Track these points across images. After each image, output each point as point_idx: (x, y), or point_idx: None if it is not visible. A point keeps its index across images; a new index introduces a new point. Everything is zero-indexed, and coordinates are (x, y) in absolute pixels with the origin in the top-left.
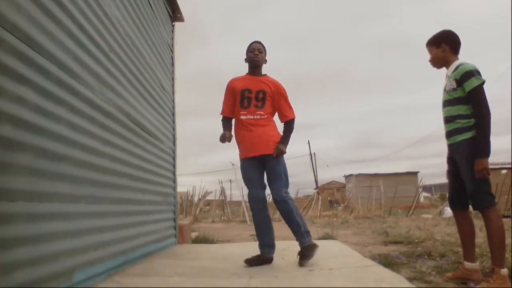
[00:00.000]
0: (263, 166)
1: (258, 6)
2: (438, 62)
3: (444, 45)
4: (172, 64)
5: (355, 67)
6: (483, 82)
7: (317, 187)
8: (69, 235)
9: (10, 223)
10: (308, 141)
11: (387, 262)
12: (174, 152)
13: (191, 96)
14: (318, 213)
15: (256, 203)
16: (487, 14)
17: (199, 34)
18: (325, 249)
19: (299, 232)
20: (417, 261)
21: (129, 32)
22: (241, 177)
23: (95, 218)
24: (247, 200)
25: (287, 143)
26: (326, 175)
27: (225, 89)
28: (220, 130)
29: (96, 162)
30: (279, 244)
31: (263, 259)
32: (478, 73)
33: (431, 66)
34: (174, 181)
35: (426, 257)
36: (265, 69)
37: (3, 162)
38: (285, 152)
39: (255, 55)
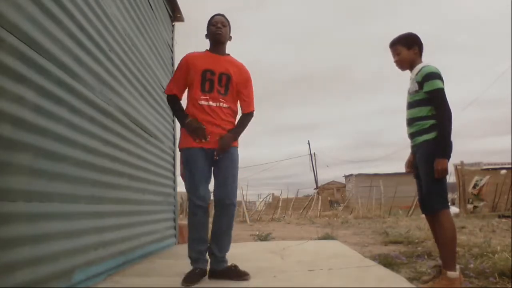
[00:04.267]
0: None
1: (258, 5)
2: (406, 63)
3: (415, 48)
4: (172, 64)
5: (355, 67)
6: (443, 88)
7: (317, 187)
8: (69, 235)
9: (10, 223)
10: (308, 141)
11: (387, 262)
12: (174, 152)
13: None
14: (318, 213)
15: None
16: (487, 14)
17: (199, 34)
18: (325, 249)
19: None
20: (417, 261)
21: (129, 32)
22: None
23: (95, 218)
24: (188, 198)
25: (238, 136)
26: (326, 175)
27: (179, 64)
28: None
29: (96, 162)
30: (279, 244)
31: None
32: (440, 76)
33: (396, 67)
34: (174, 181)
35: (426, 257)
36: (266, 68)
37: (3, 162)
38: (230, 145)
39: (218, 29)
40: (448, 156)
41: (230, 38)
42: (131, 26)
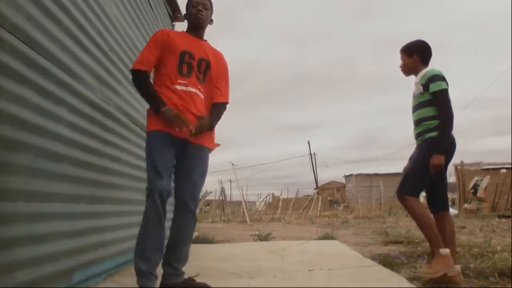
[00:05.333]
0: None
1: (258, 5)
2: (408, 70)
3: (415, 56)
4: None
5: (355, 67)
6: (447, 89)
7: (317, 187)
8: (69, 235)
9: (10, 223)
10: (308, 141)
11: (387, 262)
12: None
13: None
14: (318, 213)
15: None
16: (487, 14)
17: None
18: (325, 249)
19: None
20: (417, 261)
21: (129, 32)
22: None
23: (95, 218)
24: (147, 193)
25: (215, 125)
26: (326, 175)
27: (152, 38)
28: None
29: (96, 162)
30: (279, 244)
31: None
32: (443, 78)
33: (401, 72)
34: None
35: (426, 257)
36: (266, 67)
37: (3, 162)
38: (205, 132)
39: (199, 11)
40: (443, 153)
41: (211, 21)
42: (131, 26)
